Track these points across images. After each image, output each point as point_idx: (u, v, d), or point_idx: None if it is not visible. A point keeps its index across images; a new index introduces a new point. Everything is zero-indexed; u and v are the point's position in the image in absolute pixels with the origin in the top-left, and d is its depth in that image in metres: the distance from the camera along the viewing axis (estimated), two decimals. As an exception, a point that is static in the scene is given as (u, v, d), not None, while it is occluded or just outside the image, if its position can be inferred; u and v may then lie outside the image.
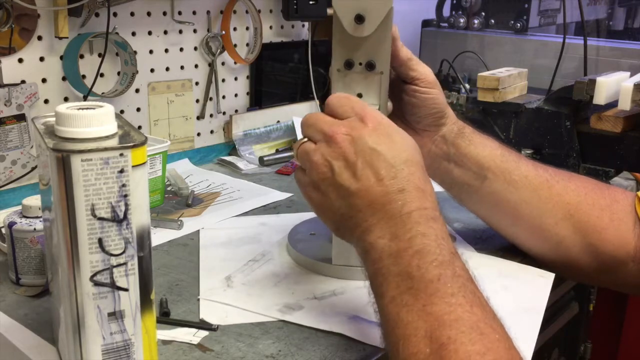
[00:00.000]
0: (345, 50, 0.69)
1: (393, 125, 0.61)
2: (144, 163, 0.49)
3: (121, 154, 0.47)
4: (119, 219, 0.48)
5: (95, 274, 0.48)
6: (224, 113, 1.25)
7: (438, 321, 0.50)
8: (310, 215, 0.92)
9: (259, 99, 1.30)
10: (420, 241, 0.54)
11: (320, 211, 0.63)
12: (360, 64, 0.69)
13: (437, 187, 0.81)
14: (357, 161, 0.58)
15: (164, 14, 1.11)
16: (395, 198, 0.57)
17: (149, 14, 1.09)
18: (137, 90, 1.10)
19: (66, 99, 1.00)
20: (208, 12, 1.18)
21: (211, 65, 1.20)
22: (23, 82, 0.94)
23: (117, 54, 1.05)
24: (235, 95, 1.27)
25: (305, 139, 0.63)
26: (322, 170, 0.60)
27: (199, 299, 0.70)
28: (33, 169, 0.95)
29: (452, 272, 0.53)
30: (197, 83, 1.19)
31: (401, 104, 0.76)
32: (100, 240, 0.48)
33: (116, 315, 0.50)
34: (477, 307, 0.51)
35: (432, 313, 0.50)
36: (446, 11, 1.75)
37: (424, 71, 0.74)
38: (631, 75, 1.18)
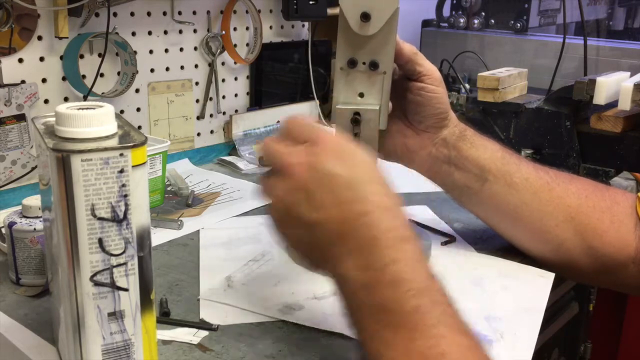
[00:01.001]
0: (349, 49, 0.69)
1: (350, 144, 0.56)
2: (144, 163, 0.49)
3: (121, 154, 0.47)
4: (119, 219, 0.48)
5: (95, 274, 0.48)
6: (224, 113, 1.25)
7: (422, 357, 0.47)
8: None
9: (259, 99, 1.30)
10: (393, 269, 0.50)
11: (290, 247, 0.58)
12: (364, 63, 0.69)
13: (437, 187, 0.81)
14: (315, 190, 0.53)
15: (164, 14, 1.11)
16: (360, 223, 0.52)
17: (149, 14, 1.09)
18: (137, 90, 1.10)
19: (66, 99, 1.00)
20: (208, 12, 1.18)
21: (211, 65, 1.20)
22: (23, 82, 0.94)
23: (117, 54, 1.05)
24: (235, 95, 1.27)
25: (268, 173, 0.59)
26: (280, 206, 0.55)
27: (199, 299, 0.70)
28: (33, 169, 0.95)
29: (431, 300, 0.49)
30: (197, 83, 1.19)
31: (405, 103, 0.76)
32: (100, 240, 0.48)
33: (116, 315, 0.50)
34: (459, 335, 0.49)
35: (415, 349, 0.47)
36: (446, 11, 1.75)
37: (430, 67, 0.74)
38: (631, 75, 1.18)
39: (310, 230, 0.54)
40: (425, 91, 0.73)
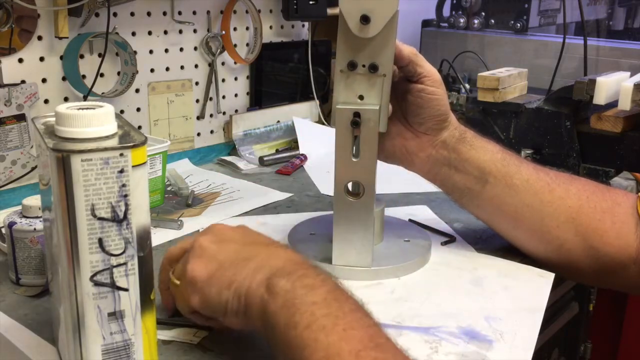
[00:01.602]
0: (349, 51, 0.69)
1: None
2: (144, 163, 0.49)
3: (121, 154, 0.47)
4: (119, 219, 0.48)
5: (95, 274, 0.48)
6: (224, 113, 1.25)
7: (361, 343, 0.48)
8: (310, 215, 0.92)
9: (259, 99, 1.30)
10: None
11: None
12: (364, 65, 0.69)
13: (437, 187, 0.81)
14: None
15: (164, 14, 1.11)
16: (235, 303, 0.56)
17: (149, 14, 1.09)
18: (137, 90, 1.10)
19: (66, 99, 1.00)
20: (208, 12, 1.18)
21: (211, 65, 1.20)
22: (23, 82, 0.94)
23: (117, 54, 1.05)
24: (235, 95, 1.27)
25: None
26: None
27: (199, 299, 0.70)
28: (33, 169, 0.95)
29: (365, 313, 0.53)
30: (197, 83, 1.19)
31: (404, 105, 0.76)
32: (100, 240, 0.48)
33: (116, 315, 0.50)
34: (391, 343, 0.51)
35: (354, 337, 0.49)
36: (446, 11, 1.75)
37: (430, 69, 0.74)
38: (631, 75, 1.18)
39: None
40: (425, 93, 0.73)
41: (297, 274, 0.54)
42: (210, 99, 1.21)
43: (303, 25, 1.37)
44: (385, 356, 0.48)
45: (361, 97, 0.71)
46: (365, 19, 0.66)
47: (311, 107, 1.38)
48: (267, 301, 0.53)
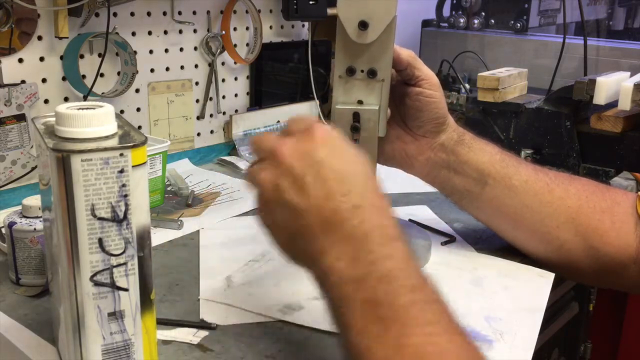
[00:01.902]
0: (347, 57, 0.69)
1: (344, 139, 0.55)
2: (144, 163, 0.49)
3: (121, 154, 0.47)
4: (119, 219, 0.48)
5: (95, 274, 0.48)
6: (224, 113, 1.25)
7: (417, 355, 0.45)
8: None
9: (259, 99, 1.30)
10: (386, 264, 0.48)
11: (272, 236, 0.56)
12: (362, 71, 0.69)
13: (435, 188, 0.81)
14: (304, 177, 0.51)
15: (164, 14, 1.11)
16: (350, 216, 0.50)
17: (149, 14, 1.09)
18: (137, 90, 1.10)
19: (66, 99, 1.00)
20: (208, 12, 1.18)
21: (211, 65, 1.20)
22: (23, 82, 0.94)
23: (117, 54, 1.05)
24: (235, 95, 1.27)
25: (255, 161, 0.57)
26: (268, 188, 0.53)
27: (199, 299, 0.70)
28: (33, 169, 0.95)
29: (425, 297, 0.48)
30: (197, 83, 1.19)
31: (403, 109, 0.76)
32: (100, 240, 0.48)
33: (116, 315, 0.50)
34: (456, 335, 0.47)
35: (408, 345, 0.45)
36: (446, 11, 1.75)
37: (428, 73, 0.74)
38: (631, 75, 1.18)
39: (296, 219, 0.52)
40: (423, 96, 0.73)
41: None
42: (210, 99, 1.21)
43: (303, 25, 1.36)
44: None
45: (360, 102, 0.71)
46: (363, 25, 0.66)
47: (311, 107, 1.38)
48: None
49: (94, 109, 0.49)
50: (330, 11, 1.28)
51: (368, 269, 0.48)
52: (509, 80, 1.24)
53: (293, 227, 0.52)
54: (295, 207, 0.51)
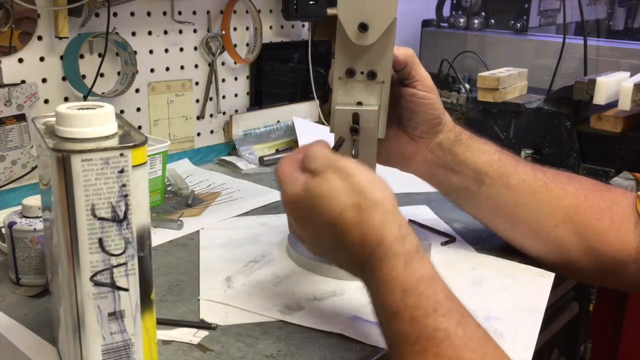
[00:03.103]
0: (347, 59, 0.69)
1: (364, 175, 0.58)
2: (144, 163, 0.49)
3: (121, 154, 0.47)
4: (119, 219, 0.48)
5: (95, 274, 0.48)
6: (224, 113, 1.25)
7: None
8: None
9: (259, 99, 1.30)
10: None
11: (312, 246, 0.64)
12: (362, 72, 0.69)
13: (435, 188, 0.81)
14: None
15: (164, 14, 1.11)
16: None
17: (149, 14, 1.09)
18: (137, 90, 1.10)
19: (66, 99, 1.00)
20: (208, 12, 1.18)
21: (211, 65, 1.20)
22: (23, 82, 0.94)
23: (117, 54, 1.05)
24: (235, 95, 1.27)
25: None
26: (291, 215, 0.63)
27: (199, 299, 0.70)
28: (33, 169, 0.95)
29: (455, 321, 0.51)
30: (197, 83, 1.19)
31: (398, 110, 0.76)
32: (100, 240, 0.48)
33: (116, 315, 0.50)
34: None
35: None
36: (446, 11, 1.75)
37: (423, 74, 0.74)
38: (631, 75, 1.18)
39: (330, 232, 0.57)
40: (417, 97, 0.73)
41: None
42: (210, 99, 1.21)
43: (303, 25, 1.37)
44: None
45: (360, 104, 0.71)
46: (363, 27, 0.66)
47: (311, 107, 1.38)
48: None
49: (94, 109, 0.49)
50: (330, 11, 1.28)
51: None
52: (509, 80, 1.24)
53: (329, 242, 0.59)
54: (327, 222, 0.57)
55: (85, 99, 0.98)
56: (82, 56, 1.00)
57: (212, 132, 1.24)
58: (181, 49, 1.15)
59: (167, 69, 1.14)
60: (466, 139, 0.77)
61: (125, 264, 0.49)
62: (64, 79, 0.99)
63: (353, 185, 0.56)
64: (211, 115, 1.23)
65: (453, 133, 0.77)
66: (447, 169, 0.77)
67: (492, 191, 0.76)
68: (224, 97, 1.24)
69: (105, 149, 0.47)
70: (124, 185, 0.48)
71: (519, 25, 1.65)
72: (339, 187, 0.56)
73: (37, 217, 0.72)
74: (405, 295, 0.52)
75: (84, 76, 1.00)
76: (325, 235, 0.58)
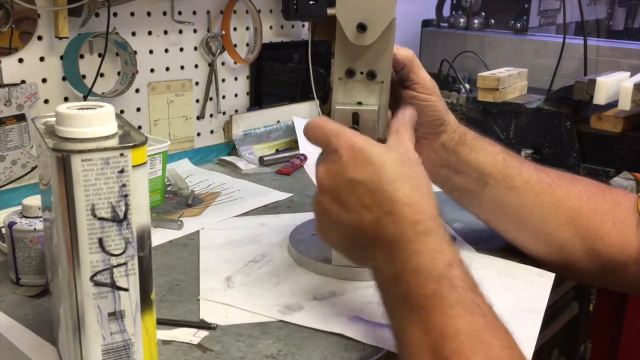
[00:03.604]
0: (346, 59, 0.69)
1: (367, 144, 0.60)
2: (144, 163, 0.49)
3: (121, 154, 0.47)
4: (119, 219, 0.48)
5: (95, 274, 0.48)
6: (224, 113, 1.25)
7: (440, 335, 0.51)
8: (311, 215, 0.92)
9: (259, 99, 1.30)
10: (414, 260, 0.55)
11: (331, 243, 0.66)
12: (362, 72, 0.69)
13: (436, 187, 0.81)
14: (342, 196, 0.59)
15: (164, 14, 1.11)
16: (386, 222, 0.57)
17: (149, 14, 1.09)
18: (137, 90, 1.10)
19: (66, 99, 1.00)
20: (208, 12, 1.18)
21: (211, 65, 1.20)
22: (23, 82, 0.94)
23: (117, 54, 1.05)
24: (235, 95, 1.27)
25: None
26: (318, 212, 0.63)
27: (199, 299, 0.70)
28: (33, 169, 0.95)
29: (449, 284, 0.53)
30: (197, 83, 1.19)
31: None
32: (100, 240, 0.48)
33: (116, 315, 0.50)
34: (477, 316, 0.52)
35: (434, 328, 0.51)
36: (446, 11, 1.75)
37: (423, 76, 0.73)
38: (631, 75, 1.18)
39: (348, 231, 0.60)
40: (417, 100, 0.73)
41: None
42: (210, 99, 1.21)
43: (303, 25, 1.37)
44: None
45: (359, 104, 0.71)
46: (362, 27, 0.66)
47: (311, 107, 1.38)
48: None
49: (94, 109, 0.49)
50: (330, 11, 1.28)
51: (401, 266, 0.55)
52: (509, 80, 1.24)
53: (347, 239, 0.61)
54: (342, 222, 0.60)
55: (85, 99, 0.98)
56: (82, 56, 1.00)
57: (212, 132, 1.24)
58: (181, 49, 1.15)
59: (167, 69, 1.14)
60: (470, 140, 0.76)
61: (125, 264, 0.49)
62: (64, 79, 0.99)
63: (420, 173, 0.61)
64: (211, 115, 1.23)
65: (457, 133, 0.76)
66: (450, 169, 0.77)
67: (495, 192, 0.76)
68: (224, 97, 1.24)
69: (105, 149, 0.47)
70: (124, 185, 0.48)
71: (519, 25, 1.65)
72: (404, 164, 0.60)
73: (37, 217, 0.72)
74: (451, 266, 0.55)
75: (84, 76, 1.00)
76: (364, 196, 0.58)
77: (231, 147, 1.26)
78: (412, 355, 0.53)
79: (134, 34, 1.07)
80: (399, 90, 0.74)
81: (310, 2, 1.24)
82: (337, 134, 0.61)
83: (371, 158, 0.59)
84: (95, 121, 0.48)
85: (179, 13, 1.13)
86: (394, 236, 0.56)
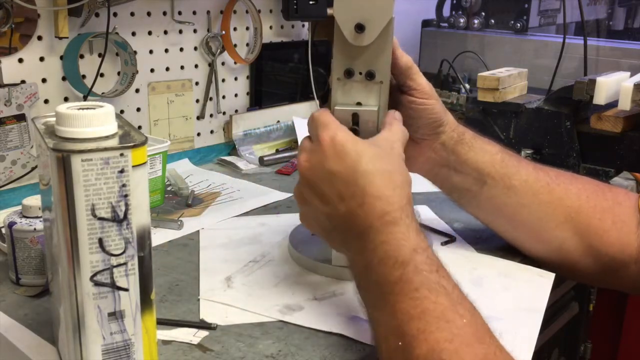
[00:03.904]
0: (345, 59, 0.69)
1: (348, 138, 0.62)
2: (144, 163, 0.49)
3: (121, 154, 0.47)
4: (119, 219, 0.48)
5: (95, 274, 0.48)
6: (224, 113, 1.25)
7: (406, 316, 0.53)
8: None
9: (259, 99, 1.30)
10: (381, 249, 0.57)
11: (313, 228, 0.68)
12: (360, 73, 0.69)
13: (437, 187, 0.81)
14: (320, 186, 0.62)
15: (164, 14, 1.11)
16: (357, 213, 0.59)
17: (149, 14, 1.09)
18: (137, 90, 1.10)
19: (66, 99, 1.00)
20: (208, 12, 1.18)
21: (211, 65, 1.20)
22: (23, 82, 0.94)
23: (117, 54, 1.05)
24: (235, 95, 1.27)
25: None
26: (298, 199, 0.66)
27: (199, 299, 0.70)
28: (33, 169, 0.95)
29: (414, 269, 0.55)
30: (197, 83, 1.19)
31: None
32: (100, 240, 0.48)
33: (116, 315, 0.50)
34: (442, 297, 0.54)
35: (400, 310, 0.54)
36: (446, 11, 1.75)
37: (421, 82, 0.73)
38: (631, 75, 1.18)
39: (325, 221, 0.63)
40: (416, 104, 0.73)
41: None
42: (210, 99, 1.21)
43: (303, 25, 1.37)
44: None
45: (359, 104, 0.71)
46: (359, 28, 0.66)
47: (311, 107, 1.38)
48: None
49: (94, 109, 0.49)
50: (330, 11, 1.28)
51: (370, 256, 0.58)
52: (509, 80, 1.24)
53: (327, 226, 0.64)
54: (321, 212, 0.63)
55: (85, 99, 0.99)
56: (82, 56, 1.00)
57: (212, 132, 1.24)
58: (181, 49, 1.15)
59: (167, 69, 1.14)
60: (469, 139, 0.76)
61: (125, 264, 0.49)
62: (64, 79, 0.99)
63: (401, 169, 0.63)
64: (211, 115, 1.23)
65: (456, 133, 0.76)
66: (450, 169, 0.77)
67: (493, 191, 0.76)
68: (224, 97, 1.24)
69: (105, 149, 0.47)
70: (124, 185, 0.48)
71: (519, 25, 1.65)
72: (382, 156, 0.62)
73: (37, 217, 0.72)
74: (416, 252, 0.57)
75: (84, 76, 1.00)
76: (340, 186, 0.61)
77: (231, 147, 1.26)
78: (382, 339, 0.55)
79: (134, 34, 1.07)
80: (397, 95, 0.74)
81: (310, 2, 1.24)
82: (324, 125, 0.63)
83: (349, 151, 0.61)
84: (95, 121, 0.48)
85: (179, 13, 1.13)
86: (364, 227, 0.59)
